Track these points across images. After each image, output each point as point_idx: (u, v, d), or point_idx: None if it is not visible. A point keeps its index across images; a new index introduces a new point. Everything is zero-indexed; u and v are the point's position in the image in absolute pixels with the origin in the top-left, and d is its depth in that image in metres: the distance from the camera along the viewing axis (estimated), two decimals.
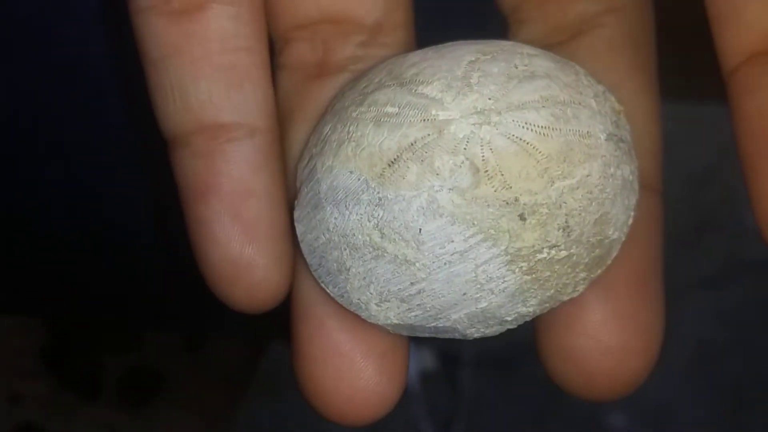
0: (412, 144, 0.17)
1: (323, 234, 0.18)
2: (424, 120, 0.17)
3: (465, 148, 0.17)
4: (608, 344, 0.18)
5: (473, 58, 0.18)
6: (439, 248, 0.17)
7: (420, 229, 0.17)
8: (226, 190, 0.18)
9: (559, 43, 0.20)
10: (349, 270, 0.18)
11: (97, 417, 0.68)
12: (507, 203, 0.17)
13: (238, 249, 0.18)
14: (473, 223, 0.17)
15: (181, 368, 0.68)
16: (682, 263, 0.58)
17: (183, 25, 0.19)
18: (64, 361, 0.69)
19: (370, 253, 0.17)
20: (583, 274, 0.18)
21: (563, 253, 0.17)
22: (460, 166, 0.17)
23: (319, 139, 0.19)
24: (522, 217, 0.17)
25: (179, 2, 0.19)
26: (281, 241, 0.19)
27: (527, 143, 0.17)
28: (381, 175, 0.17)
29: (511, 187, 0.16)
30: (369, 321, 0.18)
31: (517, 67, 0.17)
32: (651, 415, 0.61)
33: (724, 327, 0.61)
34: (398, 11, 0.20)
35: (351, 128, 0.18)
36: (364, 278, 0.17)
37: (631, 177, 0.18)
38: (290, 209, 0.19)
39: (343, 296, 0.18)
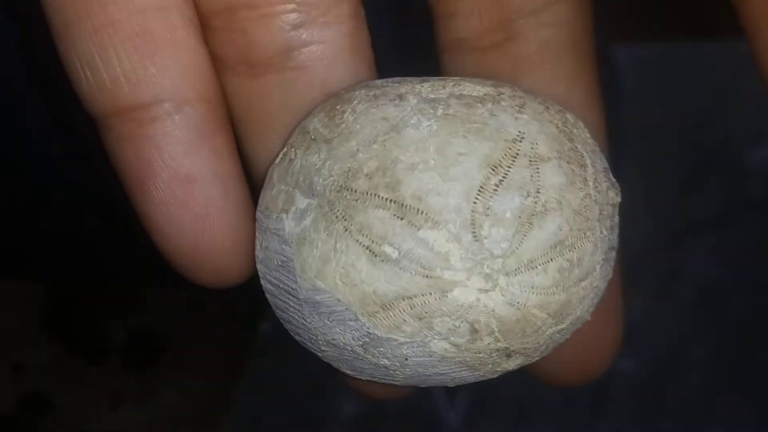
0: (411, 298, 0.16)
1: (296, 314, 0.17)
2: (427, 277, 0.15)
3: (467, 313, 0.16)
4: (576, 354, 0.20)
5: (483, 180, 0.15)
6: (422, 369, 0.17)
7: (407, 358, 0.16)
8: (163, 179, 0.17)
9: (494, 45, 0.18)
10: (320, 348, 0.17)
11: (103, 382, 0.68)
12: (498, 350, 0.16)
13: (192, 240, 0.17)
14: (461, 362, 0.16)
15: (184, 330, 0.68)
16: (684, 205, 0.58)
17: None
18: (67, 327, 0.69)
19: (349, 353, 0.17)
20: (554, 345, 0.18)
21: (536, 356, 0.17)
22: (459, 327, 0.16)
23: (289, 185, 0.17)
24: (508, 355, 0.17)
25: None
26: (238, 221, 0.17)
27: (531, 308, 0.16)
28: (373, 315, 0.16)
29: (504, 341, 0.16)
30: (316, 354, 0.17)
31: (528, 195, 0.16)
32: (656, 357, 0.62)
33: (727, 267, 0.61)
34: None
35: (338, 245, 0.16)
36: (337, 357, 0.17)
37: (610, 272, 0.18)
38: (247, 181, 0.18)
39: (296, 333, 0.17)
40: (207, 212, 0.17)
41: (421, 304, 0.15)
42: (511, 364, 0.17)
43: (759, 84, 0.17)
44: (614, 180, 0.17)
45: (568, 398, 0.61)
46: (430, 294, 0.15)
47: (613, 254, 0.17)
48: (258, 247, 0.17)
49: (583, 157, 0.17)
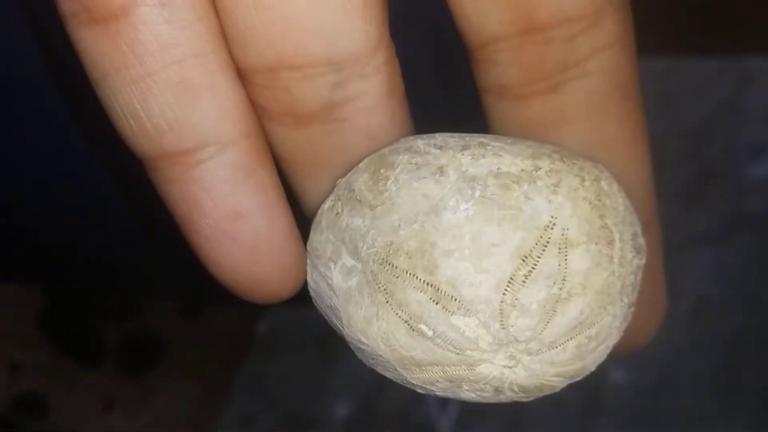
0: (443, 366, 0.17)
1: (344, 338, 0.18)
2: (458, 355, 0.17)
3: (492, 381, 0.18)
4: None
5: (513, 271, 0.17)
6: (453, 398, 0.19)
7: (438, 394, 0.18)
8: (213, 218, 0.17)
9: (538, 94, 0.18)
10: (365, 362, 0.19)
11: (98, 385, 0.68)
12: (518, 397, 0.18)
13: (244, 269, 0.18)
14: (486, 402, 0.19)
15: (180, 334, 0.68)
16: (683, 218, 0.58)
17: (112, 37, 0.16)
18: (63, 329, 0.69)
19: (389, 378, 0.19)
20: None
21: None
22: (485, 389, 0.18)
23: (337, 238, 0.18)
24: (528, 398, 0.18)
25: (100, 8, 0.16)
26: (285, 247, 0.18)
27: (549, 377, 0.18)
28: (410, 370, 0.18)
29: (524, 394, 0.18)
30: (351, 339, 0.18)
31: (555, 284, 0.17)
32: (651, 369, 0.62)
33: (724, 281, 0.61)
34: (371, 30, 0.17)
35: (380, 313, 0.17)
36: (380, 372, 0.19)
37: (629, 317, 0.19)
38: (293, 206, 0.18)
39: (337, 325, 0.19)
40: (255, 244, 0.17)
41: (452, 372, 0.18)
42: (531, 399, 0.19)
43: (761, 99, 0.17)
44: (641, 242, 0.18)
45: (560, 406, 0.61)
46: (460, 366, 0.17)
47: (633, 309, 0.18)
48: (310, 277, 0.18)
49: (611, 233, 0.17)
